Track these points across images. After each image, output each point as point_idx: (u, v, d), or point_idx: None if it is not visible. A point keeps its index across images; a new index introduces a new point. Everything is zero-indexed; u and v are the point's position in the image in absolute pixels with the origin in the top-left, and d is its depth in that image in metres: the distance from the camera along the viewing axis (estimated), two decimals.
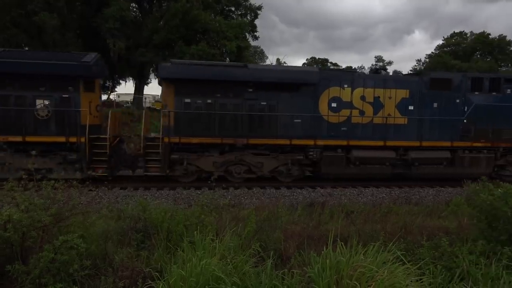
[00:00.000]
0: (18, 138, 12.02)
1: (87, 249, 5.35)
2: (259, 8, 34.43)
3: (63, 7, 25.75)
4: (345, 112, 13.66)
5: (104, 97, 34.53)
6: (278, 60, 56.55)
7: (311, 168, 14.13)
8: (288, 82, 13.24)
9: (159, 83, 14.01)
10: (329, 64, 68.34)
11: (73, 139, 12.28)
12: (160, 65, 13.24)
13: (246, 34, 33.27)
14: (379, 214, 9.44)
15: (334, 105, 13.62)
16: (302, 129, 13.38)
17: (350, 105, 13.70)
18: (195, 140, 12.87)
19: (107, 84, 35.29)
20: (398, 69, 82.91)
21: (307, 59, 75.05)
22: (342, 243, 4.75)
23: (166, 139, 12.67)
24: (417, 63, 66.54)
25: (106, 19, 26.03)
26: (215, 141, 12.98)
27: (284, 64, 50.42)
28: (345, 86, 13.65)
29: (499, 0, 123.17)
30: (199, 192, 12.07)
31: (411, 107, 14.04)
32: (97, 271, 5.24)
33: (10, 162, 12.24)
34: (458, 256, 5.34)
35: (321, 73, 13.76)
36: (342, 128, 13.66)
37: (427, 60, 60.49)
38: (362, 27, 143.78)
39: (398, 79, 14.64)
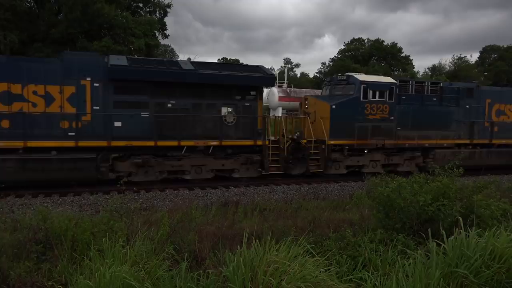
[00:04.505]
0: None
1: None
2: (169, 5, 33.70)
3: None
4: None
5: None
6: (189, 59, 55.82)
7: None
8: None
9: None
10: None
11: None
12: None
13: (156, 32, 32.33)
14: (290, 210, 9.84)
15: None
16: None
17: None
18: None
19: None
20: (306, 72, 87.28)
21: (218, 59, 75.39)
22: (256, 240, 4.85)
23: None
24: (322, 66, 70.70)
25: None
26: None
27: None
28: None
29: (398, 10, 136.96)
30: (107, 197, 11.42)
31: None
32: None
33: None
34: (360, 245, 5.79)
35: None
36: None
37: (331, 63, 64.63)
38: (275, 29, 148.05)
39: None
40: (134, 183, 12.16)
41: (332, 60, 65.53)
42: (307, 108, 16.33)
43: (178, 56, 51.11)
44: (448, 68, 60.85)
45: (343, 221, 8.08)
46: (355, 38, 65.27)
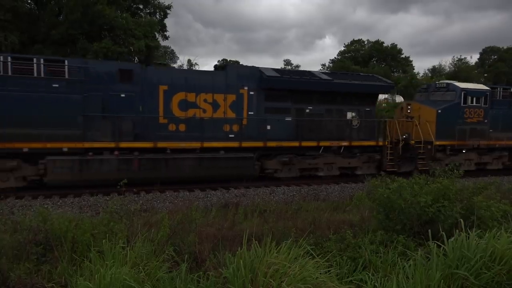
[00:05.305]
0: None
1: None
2: (169, 7, 33.69)
3: None
4: None
5: None
6: (189, 61, 55.88)
7: None
8: None
9: None
10: None
11: None
12: None
13: (156, 33, 32.34)
14: (291, 211, 9.82)
15: None
16: None
17: None
18: None
19: None
20: None
21: (218, 61, 75.31)
22: (257, 241, 4.84)
23: None
24: (322, 67, 70.69)
25: None
26: None
27: (196, 66, 49.94)
28: None
29: (399, 12, 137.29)
30: (107, 198, 11.42)
31: None
32: None
33: None
34: (361, 246, 5.78)
35: None
36: None
37: (331, 65, 64.66)
38: (276, 30, 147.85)
39: None
40: (278, 179, 14.66)
41: (332, 61, 65.59)
42: (409, 112, 17.89)
43: (178, 58, 51.10)
44: (448, 69, 60.83)
45: (343, 222, 8.07)
46: (355, 39, 65.38)
